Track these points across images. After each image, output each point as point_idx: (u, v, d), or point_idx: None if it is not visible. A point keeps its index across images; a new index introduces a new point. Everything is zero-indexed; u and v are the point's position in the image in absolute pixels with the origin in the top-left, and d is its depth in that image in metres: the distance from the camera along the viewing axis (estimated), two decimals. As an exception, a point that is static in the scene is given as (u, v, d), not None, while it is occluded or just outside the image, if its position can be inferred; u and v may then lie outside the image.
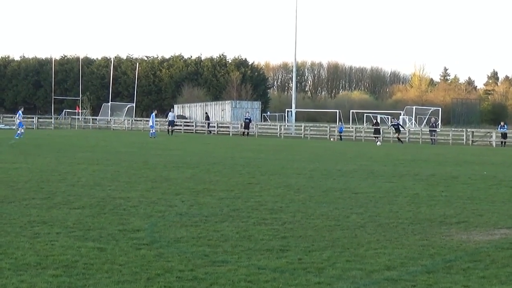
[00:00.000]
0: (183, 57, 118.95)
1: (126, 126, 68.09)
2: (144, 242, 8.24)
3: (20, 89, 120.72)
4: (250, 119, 55.79)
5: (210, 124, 60.05)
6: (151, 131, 45.93)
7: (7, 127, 64.49)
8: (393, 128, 48.35)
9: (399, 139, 45.63)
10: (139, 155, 25.12)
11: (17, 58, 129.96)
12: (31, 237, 8.29)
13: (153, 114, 49.85)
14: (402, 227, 9.79)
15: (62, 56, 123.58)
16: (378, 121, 53.37)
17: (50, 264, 6.96)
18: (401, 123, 55.57)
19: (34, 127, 65.85)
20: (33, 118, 70.34)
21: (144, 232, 8.91)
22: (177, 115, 63.63)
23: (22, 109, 44.32)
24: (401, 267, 7.26)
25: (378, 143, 43.52)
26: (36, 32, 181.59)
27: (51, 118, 75.32)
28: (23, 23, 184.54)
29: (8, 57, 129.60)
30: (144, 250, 7.78)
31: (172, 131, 54.12)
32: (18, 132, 38.17)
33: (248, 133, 54.17)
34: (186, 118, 65.80)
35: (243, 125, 55.06)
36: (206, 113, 63.90)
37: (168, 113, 59.39)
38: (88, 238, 8.42)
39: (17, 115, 41.43)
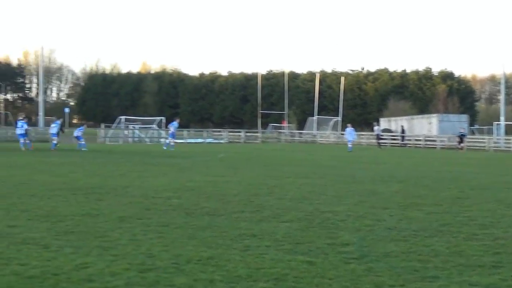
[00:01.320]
0: (388, 70, 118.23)
1: (332, 140, 68.99)
2: (353, 256, 8.32)
3: (227, 104, 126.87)
4: (464, 134, 54.39)
5: (405, 137, 59.88)
6: (348, 145, 46.37)
7: (216, 141, 68.16)
8: None
9: None
10: (345, 169, 25.36)
11: (224, 73, 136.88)
12: (242, 250, 8.65)
13: (349, 129, 49.43)
14: None
15: (268, 71, 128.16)
16: None
17: (260, 276, 7.22)
18: None
19: (242, 141, 68.80)
20: (240, 132, 73.51)
21: (353, 246, 8.99)
22: (383, 129, 63.77)
23: (178, 120, 47.29)
24: None
25: None
26: (242, 48, 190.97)
27: (258, 132, 78.25)
28: (230, 41, 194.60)
29: (216, 72, 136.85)
30: (353, 265, 7.85)
31: (379, 144, 54.64)
32: (167, 141, 41.66)
33: (462, 147, 52.79)
34: (392, 132, 65.56)
35: (458, 139, 53.76)
36: (402, 126, 63.52)
37: (375, 127, 59.62)
38: (298, 251, 8.63)
39: (171, 126, 44.59)
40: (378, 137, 56.82)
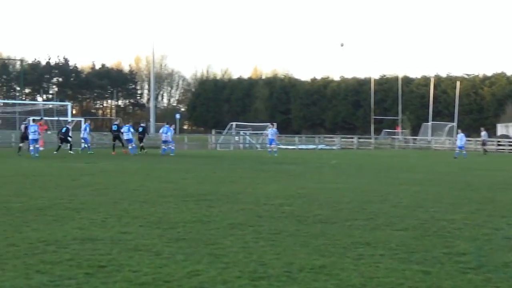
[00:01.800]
0: (505, 74, 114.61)
1: (447, 146, 67.46)
2: (470, 266, 8.17)
3: (339, 109, 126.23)
4: None
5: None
6: (462, 151, 45.38)
7: (328, 147, 68.01)
8: None
9: None
10: (460, 176, 24.84)
11: (336, 78, 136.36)
12: (355, 259, 8.62)
13: (460, 134, 48.31)
14: None
15: (381, 76, 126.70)
16: None
17: (374, 286, 7.20)
18: None
19: (354, 147, 68.35)
20: (353, 138, 73.09)
21: (470, 256, 8.82)
22: (500, 135, 62.34)
23: (275, 125, 47.50)
24: None
25: None
26: (355, 53, 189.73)
27: (371, 138, 77.50)
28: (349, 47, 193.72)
29: (328, 77, 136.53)
30: (470, 275, 7.72)
31: (485, 150, 54.21)
32: (269, 150, 42.10)
33: None
34: (510, 138, 63.48)
35: None
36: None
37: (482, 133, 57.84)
38: (413, 260, 8.54)
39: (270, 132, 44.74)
40: (484, 143, 55.90)
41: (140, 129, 42.78)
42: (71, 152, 39.65)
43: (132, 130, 42.00)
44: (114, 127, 41.64)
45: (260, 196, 15.98)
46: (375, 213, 13.09)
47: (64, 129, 40.87)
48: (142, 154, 40.33)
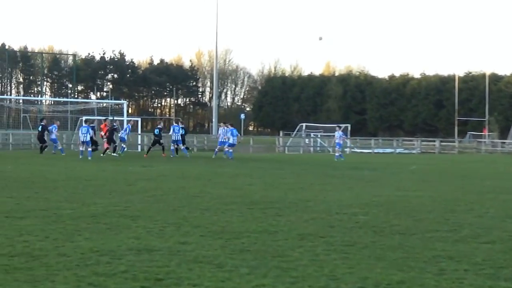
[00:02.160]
0: None
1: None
2: None
3: (420, 109, 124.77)
4: None
5: None
6: None
7: (407, 151, 67.33)
8: None
9: None
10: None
11: (417, 75, 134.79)
12: (437, 274, 8.54)
13: None
14: None
15: (466, 73, 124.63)
16: None
17: (458, 305, 7.14)
18: None
19: (436, 151, 67.46)
20: (434, 141, 72.18)
21: None
22: None
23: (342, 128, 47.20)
24: None
25: None
26: (437, 47, 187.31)
27: (455, 142, 76.39)
28: (423, 39, 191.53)
29: (407, 74, 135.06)
30: None
31: None
32: (336, 154, 41.68)
33: None
34: None
35: None
36: None
37: None
38: (500, 277, 8.42)
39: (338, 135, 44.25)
40: None
41: (181, 131, 42.94)
42: (114, 154, 40.36)
43: (181, 131, 42.29)
44: (156, 131, 42.10)
45: (332, 204, 15.95)
46: (458, 224, 12.91)
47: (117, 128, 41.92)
48: (177, 156, 40.63)
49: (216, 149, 43.05)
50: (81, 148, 38.21)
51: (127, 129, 45.44)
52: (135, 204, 15.41)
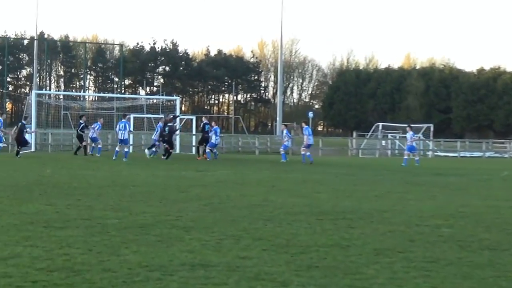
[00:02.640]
0: None
1: None
2: None
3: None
4: None
5: None
6: None
7: (498, 155, 66.41)
8: None
9: None
10: None
11: (509, 69, 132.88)
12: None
13: None
14: None
15: None
16: None
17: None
18: None
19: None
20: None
21: None
22: None
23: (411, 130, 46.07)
24: None
25: None
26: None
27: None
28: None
29: (499, 68, 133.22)
30: None
31: None
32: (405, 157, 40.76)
33: None
34: None
35: None
36: None
37: None
38: None
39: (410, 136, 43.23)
40: None
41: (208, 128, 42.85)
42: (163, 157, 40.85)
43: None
44: (207, 127, 42.21)
45: (412, 215, 15.86)
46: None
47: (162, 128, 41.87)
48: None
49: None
50: (116, 149, 38.38)
51: (97, 126, 44.34)
52: (189, 213, 15.52)
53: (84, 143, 43.63)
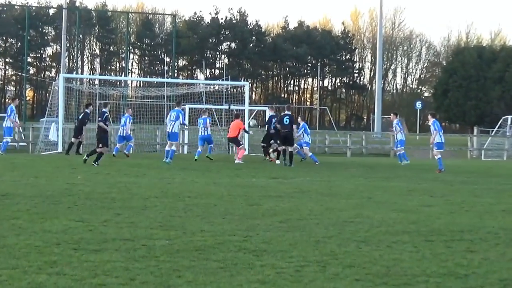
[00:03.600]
0: None
1: None
2: None
3: None
4: None
5: None
6: None
7: None
8: None
9: None
10: None
11: None
12: None
13: None
14: None
15: None
16: None
17: None
18: None
19: None
20: None
21: None
22: None
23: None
24: None
25: None
26: None
27: None
28: None
29: None
30: None
31: None
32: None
33: None
34: None
35: None
36: None
37: None
38: None
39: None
40: None
41: (287, 121, 42.80)
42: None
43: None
44: (273, 122, 42.29)
45: (552, 237, 15.68)
46: None
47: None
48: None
49: (399, 152, 43.58)
50: (167, 148, 38.66)
51: (127, 120, 44.36)
52: (260, 232, 15.58)
53: (80, 139, 44.18)
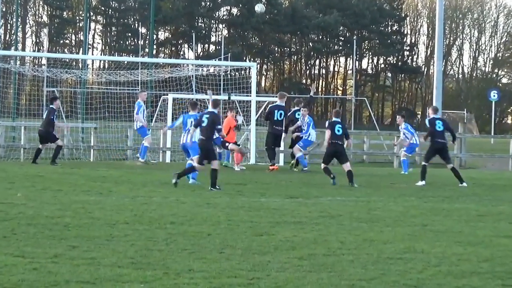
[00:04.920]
0: None
1: None
2: None
3: None
4: None
5: None
6: None
7: None
8: None
9: None
10: None
11: None
12: None
13: None
14: None
15: None
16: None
17: None
18: None
19: None
20: None
21: None
22: None
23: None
24: None
25: None
26: None
27: None
28: None
29: None
30: None
31: None
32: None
33: None
34: None
35: None
36: None
37: None
38: None
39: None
40: None
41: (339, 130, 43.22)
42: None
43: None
44: (298, 116, 42.79)
45: None
46: None
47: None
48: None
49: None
50: (188, 160, 38.82)
51: (140, 109, 45.21)
52: (272, 273, 15.72)
53: (58, 143, 44.51)
